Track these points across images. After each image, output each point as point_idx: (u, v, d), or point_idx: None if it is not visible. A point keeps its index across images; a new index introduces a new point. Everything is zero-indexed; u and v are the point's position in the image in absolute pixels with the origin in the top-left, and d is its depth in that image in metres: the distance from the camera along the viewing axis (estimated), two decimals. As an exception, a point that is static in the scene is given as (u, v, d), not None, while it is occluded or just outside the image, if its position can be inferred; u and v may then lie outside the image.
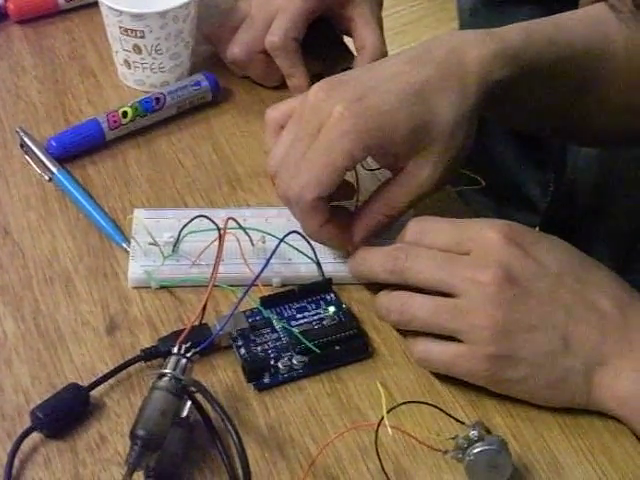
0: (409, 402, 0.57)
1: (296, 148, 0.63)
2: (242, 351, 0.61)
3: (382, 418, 0.54)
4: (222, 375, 0.61)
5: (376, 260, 0.62)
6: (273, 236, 0.64)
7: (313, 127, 0.62)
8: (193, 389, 0.55)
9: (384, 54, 0.80)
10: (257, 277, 0.62)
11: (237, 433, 0.49)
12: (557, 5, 1.08)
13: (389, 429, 0.53)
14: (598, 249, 0.84)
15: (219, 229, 0.61)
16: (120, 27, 0.75)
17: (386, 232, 0.65)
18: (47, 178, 0.72)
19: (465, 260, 0.59)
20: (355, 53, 0.80)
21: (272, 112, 0.68)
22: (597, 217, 0.94)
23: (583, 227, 1.03)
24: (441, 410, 0.57)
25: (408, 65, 0.64)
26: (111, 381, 0.60)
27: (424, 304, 0.59)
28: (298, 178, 0.62)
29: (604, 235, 0.90)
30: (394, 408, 0.57)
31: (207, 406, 0.57)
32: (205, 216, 0.63)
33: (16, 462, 0.56)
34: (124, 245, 0.67)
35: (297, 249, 0.65)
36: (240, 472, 0.52)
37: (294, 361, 0.61)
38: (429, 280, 0.60)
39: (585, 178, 1.01)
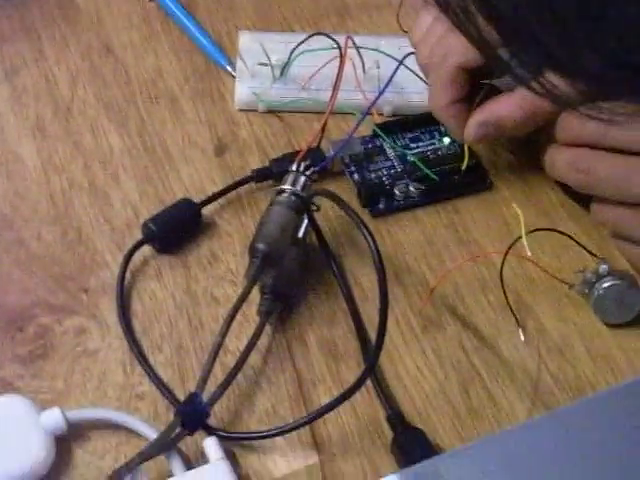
0: (542, 229, 0.54)
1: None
2: (355, 176, 0.59)
3: (516, 240, 0.52)
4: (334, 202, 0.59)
5: (556, 164, 0.56)
6: (392, 57, 0.61)
7: None
8: (314, 207, 0.53)
9: None
10: (373, 103, 0.59)
11: (372, 237, 0.46)
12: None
13: (528, 250, 0.51)
14: None
15: (340, 47, 0.58)
16: None
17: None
18: (149, -2, 0.69)
19: None
20: None
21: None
22: None
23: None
24: (571, 238, 0.54)
25: None
26: (221, 201, 0.58)
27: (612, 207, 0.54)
28: (444, 45, 0.58)
29: None
30: (517, 241, 0.54)
31: (324, 227, 0.55)
32: (324, 34, 0.60)
33: (127, 274, 0.54)
34: (229, 68, 0.65)
35: (414, 72, 0.61)
36: (354, 294, 0.51)
37: (411, 188, 0.58)
38: (614, 194, 0.53)
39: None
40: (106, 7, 0.69)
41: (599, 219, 0.56)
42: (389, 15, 0.69)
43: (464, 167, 0.59)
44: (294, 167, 0.54)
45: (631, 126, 0.52)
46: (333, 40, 0.59)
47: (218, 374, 0.50)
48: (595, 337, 0.53)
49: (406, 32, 0.66)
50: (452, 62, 0.57)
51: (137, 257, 0.55)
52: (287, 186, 0.53)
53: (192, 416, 0.47)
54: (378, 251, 0.46)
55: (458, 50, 0.56)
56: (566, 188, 0.58)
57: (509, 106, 0.57)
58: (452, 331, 0.53)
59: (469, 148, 0.60)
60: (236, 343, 0.52)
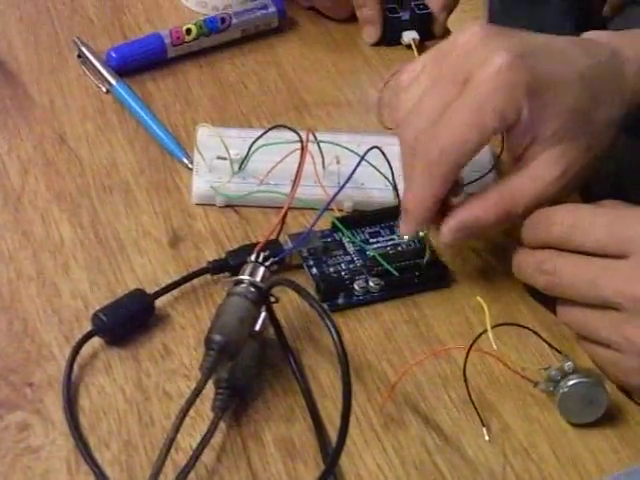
0: (505, 324, 0.53)
1: (435, 96, 0.54)
2: (314, 270, 0.58)
3: (480, 335, 0.51)
4: (293, 295, 0.57)
5: (523, 266, 0.56)
6: (353, 152, 0.60)
7: (459, 74, 0.54)
8: (273, 298, 0.52)
9: None
10: (333, 197, 0.58)
11: (335, 328, 0.45)
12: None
13: (493, 343, 0.50)
14: None
15: (301, 140, 0.57)
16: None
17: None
18: (104, 90, 0.68)
19: (620, 269, 0.51)
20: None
21: (401, 74, 0.58)
22: None
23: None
24: (535, 333, 0.53)
25: (577, 48, 0.57)
26: (175, 293, 0.56)
27: (579, 309, 0.53)
28: (438, 139, 0.53)
29: None
30: (481, 336, 0.53)
31: (282, 321, 0.53)
32: (285, 126, 0.59)
33: (75, 367, 0.52)
34: (185, 160, 0.64)
35: (375, 168, 0.60)
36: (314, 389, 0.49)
37: (370, 284, 0.57)
38: (580, 296, 0.53)
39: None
40: (61, 98, 0.68)
41: (565, 320, 0.55)
42: (348, 112, 0.69)
43: (425, 261, 0.58)
44: (253, 258, 0.53)
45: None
46: (294, 132, 0.58)
47: (169, 473, 0.47)
48: (561, 437, 0.51)
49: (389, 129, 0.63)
50: (453, 162, 0.54)
51: (86, 350, 0.53)
52: (245, 277, 0.52)
53: (141, 517, 0.44)
54: (341, 342, 0.44)
55: (456, 147, 0.53)
56: (534, 292, 0.57)
57: (483, 210, 0.55)
58: (414, 429, 0.51)
59: (429, 243, 0.59)
60: (188, 440, 0.49)
